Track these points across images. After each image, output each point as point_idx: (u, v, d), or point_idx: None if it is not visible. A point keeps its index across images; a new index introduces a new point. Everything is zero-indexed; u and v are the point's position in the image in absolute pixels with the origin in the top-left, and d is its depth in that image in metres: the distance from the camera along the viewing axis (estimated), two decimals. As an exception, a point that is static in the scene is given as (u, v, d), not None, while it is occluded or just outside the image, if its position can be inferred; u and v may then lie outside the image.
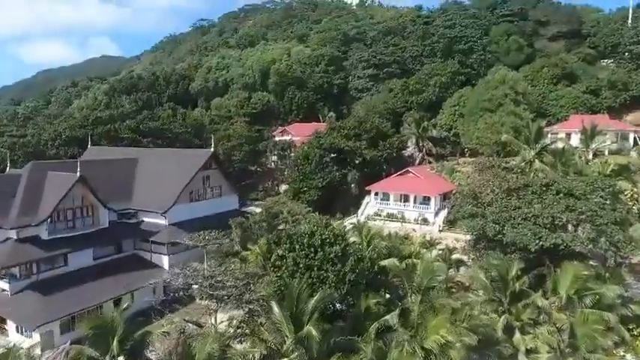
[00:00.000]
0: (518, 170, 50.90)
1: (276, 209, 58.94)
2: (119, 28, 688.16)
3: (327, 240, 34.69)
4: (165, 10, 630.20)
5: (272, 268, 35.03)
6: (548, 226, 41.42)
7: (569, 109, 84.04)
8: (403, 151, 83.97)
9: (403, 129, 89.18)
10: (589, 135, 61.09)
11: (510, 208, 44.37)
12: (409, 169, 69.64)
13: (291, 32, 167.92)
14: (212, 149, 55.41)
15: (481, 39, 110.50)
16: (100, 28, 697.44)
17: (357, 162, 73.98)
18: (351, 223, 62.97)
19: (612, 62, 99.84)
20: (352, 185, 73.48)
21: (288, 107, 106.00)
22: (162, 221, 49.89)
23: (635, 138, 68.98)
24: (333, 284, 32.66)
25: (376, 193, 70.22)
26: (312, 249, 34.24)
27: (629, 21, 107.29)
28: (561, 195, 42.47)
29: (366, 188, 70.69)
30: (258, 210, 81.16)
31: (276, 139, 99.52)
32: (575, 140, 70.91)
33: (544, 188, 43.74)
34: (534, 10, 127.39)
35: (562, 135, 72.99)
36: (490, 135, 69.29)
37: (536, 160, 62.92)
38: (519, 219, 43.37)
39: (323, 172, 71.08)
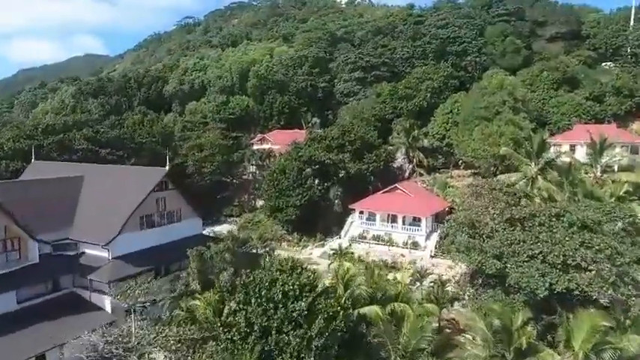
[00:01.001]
0: (522, 194, 44.40)
1: (244, 235, 52.06)
2: (108, 27, 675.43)
3: (291, 292, 28.08)
4: (155, 8, 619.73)
5: (222, 329, 28.29)
6: (560, 266, 35.12)
7: (571, 117, 78.18)
8: (391, 163, 77.58)
9: (392, 138, 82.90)
10: (598, 149, 55.13)
11: (514, 242, 38.03)
12: (397, 185, 63.23)
13: (276, 32, 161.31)
14: (167, 167, 48.33)
15: (476, 40, 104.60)
16: (89, 25, 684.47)
17: (340, 176, 67.42)
18: (332, 249, 56.54)
19: (615, 65, 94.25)
20: (335, 202, 66.90)
21: (269, 112, 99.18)
22: (106, 254, 42.87)
23: (647, 151, 63.53)
24: (296, 353, 26.08)
25: (361, 212, 63.76)
26: (272, 304, 27.66)
27: (632, 22, 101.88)
28: (575, 228, 36.16)
29: (350, 207, 64.18)
30: (233, 228, 74.86)
31: (255, 147, 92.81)
32: (580, 153, 64.95)
33: (554, 219, 37.41)
34: (531, 9, 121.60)
35: (566, 147, 67.03)
36: (487, 147, 63.11)
37: (540, 178, 56.90)
38: (524, 256, 37.03)
39: (302, 187, 64.42)
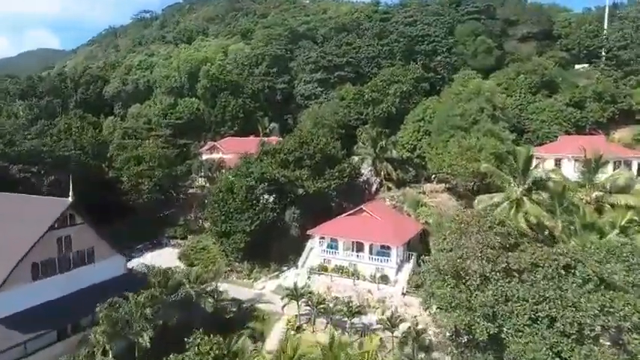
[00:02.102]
0: (516, 232, 35.99)
1: (174, 280, 42.04)
2: (67, 20, 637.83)
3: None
4: (118, 1, 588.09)
5: None
6: (575, 335, 26.94)
7: (551, 125, 71.24)
8: (357, 179, 68.63)
9: (357, 148, 74.07)
10: (592, 167, 47.77)
11: (511, 298, 29.73)
12: (363, 207, 54.25)
13: (235, 27, 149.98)
14: (71, 197, 37.78)
15: (446, 39, 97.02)
16: (46, 18, 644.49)
17: (297, 195, 58.04)
18: (287, 289, 47.04)
19: (591, 68, 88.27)
20: (292, 225, 57.47)
21: (221, 117, 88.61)
22: (-20, 318, 32.29)
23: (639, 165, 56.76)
24: None
25: (322, 238, 54.62)
26: None
27: (606, 22, 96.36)
28: (590, 285, 28.01)
29: (308, 232, 54.90)
30: (174, 251, 64.48)
31: (204, 157, 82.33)
32: (568, 169, 57.75)
33: (562, 271, 29.17)
34: (502, 8, 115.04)
35: (550, 162, 59.67)
36: (465, 163, 54.96)
37: (526, 200, 49.02)
38: (525, 317, 28.78)
39: (253, 209, 54.72)
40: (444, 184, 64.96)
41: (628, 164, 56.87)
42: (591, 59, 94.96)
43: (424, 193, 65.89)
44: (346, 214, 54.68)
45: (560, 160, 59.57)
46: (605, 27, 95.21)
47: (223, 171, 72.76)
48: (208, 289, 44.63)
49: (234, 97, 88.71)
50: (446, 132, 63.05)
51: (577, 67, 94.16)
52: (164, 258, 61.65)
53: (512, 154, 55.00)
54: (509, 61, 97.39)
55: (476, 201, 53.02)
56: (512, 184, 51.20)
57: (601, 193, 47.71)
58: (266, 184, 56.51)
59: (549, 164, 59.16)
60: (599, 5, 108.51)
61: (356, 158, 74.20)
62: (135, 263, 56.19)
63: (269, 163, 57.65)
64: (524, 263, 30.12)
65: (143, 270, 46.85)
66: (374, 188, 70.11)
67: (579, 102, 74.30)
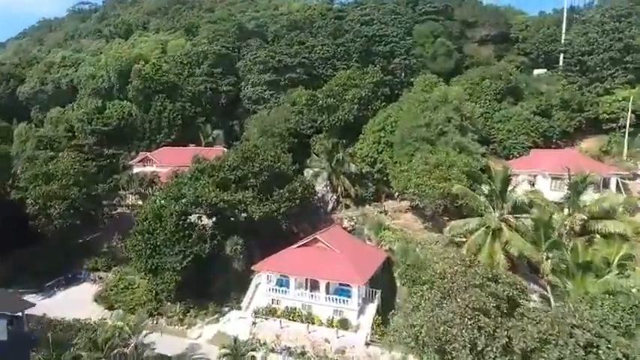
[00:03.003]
0: (516, 292, 28.70)
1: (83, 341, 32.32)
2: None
3: None
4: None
5: None
6: None
7: (518, 135, 65.75)
8: (311, 198, 60.37)
9: (310, 161, 65.84)
10: (576, 188, 41.75)
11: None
12: (318, 236, 45.95)
13: (178, 21, 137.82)
14: None
15: (404, 40, 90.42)
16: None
17: (241, 222, 49.11)
18: (224, 348, 37.97)
19: (550, 73, 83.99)
20: (235, 258, 48.41)
21: (156, 123, 77.77)
22: None
23: (617, 183, 51.66)
24: None
25: (270, 274, 46.01)
26: None
27: (564, 26, 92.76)
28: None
29: (253, 268, 46.08)
30: (93, 289, 53.82)
31: (135, 170, 71.53)
32: (543, 186, 51.94)
33: (582, 352, 22.02)
34: (460, 9, 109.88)
35: (523, 177, 53.66)
36: (434, 182, 47.82)
37: (505, 228, 42.59)
38: (537, 417, 21.45)
39: (185, 241, 45.32)
40: (407, 202, 57.79)
41: (606, 184, 51.70)
42: (549, 64, 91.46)
43: (386, 212, 58.60)
44: (297, 244, 46.21)
45: (534, 177, 53.62)
46: (564, 31, 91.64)
47: (158, 186, 62.76)
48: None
49: (172, 101, 78.02)
50: (410, 144, 55.92)
51: (536, 72, 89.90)
52: (79, 298, 51.16)
53: (485, 171, 48.80)
54: (468, 65, 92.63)
55: (448, 228, 46.25)
56: (489, 209, 44.69)
57: (585, 218, 41.79)
58: (203, 209, 47.24)
59: (523, 180, 53.15)
60: (557, 8, 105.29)
61: (310, 171, 66.12)
62: (42, 307, 45.63)
63: (205, 183, 48.28)
64: (531, 340, 22.76)
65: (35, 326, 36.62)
66: (330, 207, 62.14)
67: (546, 110, 69.39)
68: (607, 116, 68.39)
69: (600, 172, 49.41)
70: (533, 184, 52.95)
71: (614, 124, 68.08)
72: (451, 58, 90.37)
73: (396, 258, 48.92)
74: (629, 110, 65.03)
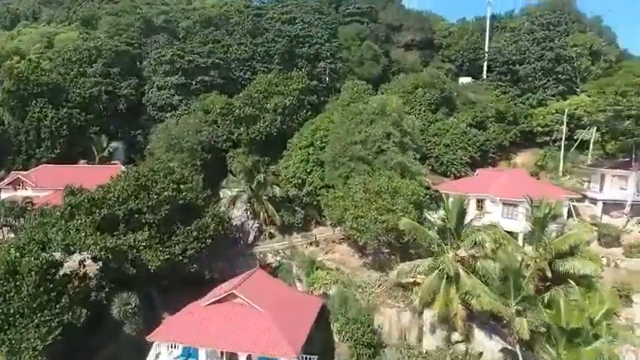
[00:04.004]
0: None
1: None
2: None
3: None
4: None
5: None
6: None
7: (456, 150, 59.10)
8: (227, 230, 48.93)
9: (227, 182, 54.44)
10: (542, 224, 34.68)
11: None
12: (235, 290, 34.82)
13: (74, 12, 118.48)
14: None
15: (329, 42, 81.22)
16: None
17: (133, 274, 36.77)
18: None
19: (482, 82, 79.40)
20: (127, 321, 36.01)
21: (34, 134, 61.57)
22: None
23: (570, 208, 46.15)
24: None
25: (172, 345, 34.33)
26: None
27: (487, 35, 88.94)
28: None
29: (147, 338, 34.01)
30: None
31: (3, 195, 55.60)
32: (493, 213, 44.84)
33: None
34: (384, 11, 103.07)
35: (471, 202, 46.36)
36: (376, 214, 38.72)
37: (463, 274, 34.54)
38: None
39: (51, 306, 32.25)
40: (340, 230, 48.33)
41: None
42: (473, 73, 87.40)
43: (317, 243, 48.84)
44: (209, 301, 34.82)
45: (482, 202, 46.52)
46: (487, 39, 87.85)
47: (33, 215, 47.84)
48: None
49: (55, 107, 62.18)
50: (344, 164, 46.62)
51: (461, 80, 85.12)
52: None
53: (433, 200, 40.80)
54: (395, 71, 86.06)
55: (395, 272, 37.28)
56: (442, 247, 36.42)
57: (552, 256, 34.85)
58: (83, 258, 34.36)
59: (470, 207, 45.88)
60: (479, 16, 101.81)
61: (228, 192, 54.82)
62: None
63: (82, 224, 35.28)
64: None
65: None
66: (251, 237, 51.05)
67: (481, 122, 63.61)
68: (541, 129, 64.12)
69: (555, 196, 43.29)
70: (481, 209, 45.79)
71: (548, 138, 63.98)
72: (378, 63, 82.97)
73: (333, 306, 39.30)
74: (564, 123, 60.89)
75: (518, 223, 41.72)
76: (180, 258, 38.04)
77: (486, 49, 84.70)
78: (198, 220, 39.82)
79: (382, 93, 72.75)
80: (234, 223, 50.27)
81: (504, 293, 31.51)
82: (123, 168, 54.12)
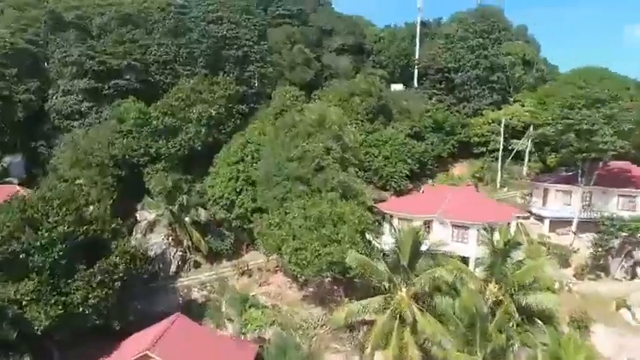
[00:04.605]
0: None
1: None
2: None
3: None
4: None
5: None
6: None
7: (396, 163, 55.09)
8: (150, 250, 41.27)
9: (144, 205, 46.34)
10: (505, 255, 30.81)
11: None
12: (149, 351, 27.60)
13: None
14: None
15: (259, 44, 74.37)
16: None
17: (16, 336, 28.22)
18: None
19: (417, 90, 76.54)
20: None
21: None
22: None
23: (518, 226, 43.34)
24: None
25: None
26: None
27: (418, 41, 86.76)
28: None
29: None
30: None
31: None
32: (443, 236, 40.79)
33: None
34: (315, 15, 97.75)
35: (417, 223, 42.12)
36: (319, 245, 33.12)
37: (419, 313, 29.88)
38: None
39: None
40: (274, 257, 42.25)
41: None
42: (405, 79, 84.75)
43: (250, 273, 42.41)
44: (116, 367, 27.35)
45: (430, 223, 42.50)
46: (417, 46, 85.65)
47: None
48: None
49: None
50: (279, 185, 40.50)
51: (393, 86, 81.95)
52: None
53: (377, 225, 36.00)
54: (327, 76, 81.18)
55: (341, 315, 31.72)
56: (395, 283, 31.58)
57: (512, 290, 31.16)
58: None
59: (417, 226, 41.66)
60: (408, 22, 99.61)
61: (147, 215, 46.77)
62: None
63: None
64: None
65: None
66: (173, 267, 43.58)
67: (419, 133, 60.31)
68: (478, 139, 62.10)
69: (505, 216, 40.22)
70: (428, 230, 41.73)
71: (485, 148, 62.10)
72: (310, 67, 77.44)
73: (270, 353, 33.14)
74: (502, 134, 59.13)
75: (470, 248, 38.16)
76: (81, 309, 30.00)
77: (417, 56, 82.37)
78: (104, 260, 31.88)
79: (316, 100, 67.99)
80: (153, 252, 42.58)
81: (470, 340, 27.18)
82: (18, 188, 44.52)
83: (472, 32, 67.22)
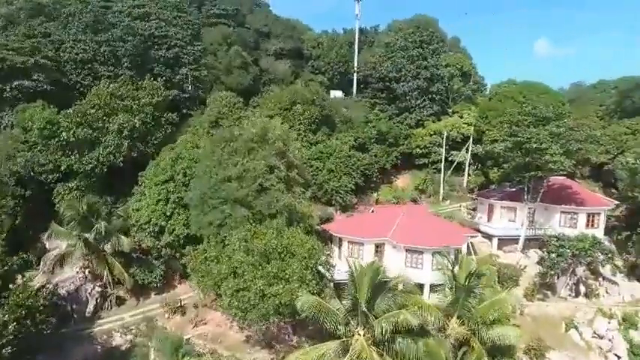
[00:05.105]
0: None
1: None
2: None
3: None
4: None
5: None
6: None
7: (341, 176, 50.86)
8: (60, 288, 33.48)
9: (50, 234, 38.07)
10: (469, 290, 27.21)
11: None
12: None
13: None
14: None
15: (192, 45, 67.05)
16: None
17: None
18: None
19: (358, 98, 72.96)
20: None
21: None
22: None
23: (469, 246, 40.47)
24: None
25: None
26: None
27: (356, 48, 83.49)
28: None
29: None
30: None
31: None
32: (394, 261, 36.82)
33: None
34: (252, 16, 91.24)
35: (368, 249, 37.91)
36: (263, 285, 27.70)
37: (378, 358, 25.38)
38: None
39: None
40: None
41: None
42: (344, 86, 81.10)
43: (183, 310, 35.96)
44: None
45: (381, 247, 38.42)
46: (356, 53, 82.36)
47: None
48: None
49: None
50: (216, 209, 34.44)
51: (332, 93, 77.94)
52: None
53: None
54: (266, 81, 75.49)
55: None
56: (352, 326, 27.08)
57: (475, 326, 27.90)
58: None
59: (367, 253, 37.54)
60: (346, 28, 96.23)
61: (57, 242, 38.61)
62: None
63: None
64: None
65: None
66: (90, 307, 35.93)
67: (363, 144, 56.57)
68: (420, 151, 59.57)
69: (459, 241, 37.14)
70: (380, 257, 37.65)
71: (427, 160, 59.71)
72: (248, 71, 71.25)
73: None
74: (443, 146, 56.94)
75: (425, 273, 34.67)
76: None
77: (356, 63, 79.00)
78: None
79: (256, 107, 62.26)
80: (65, 290, 34.82)
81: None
82: None
83: (412, 42, 64.63)
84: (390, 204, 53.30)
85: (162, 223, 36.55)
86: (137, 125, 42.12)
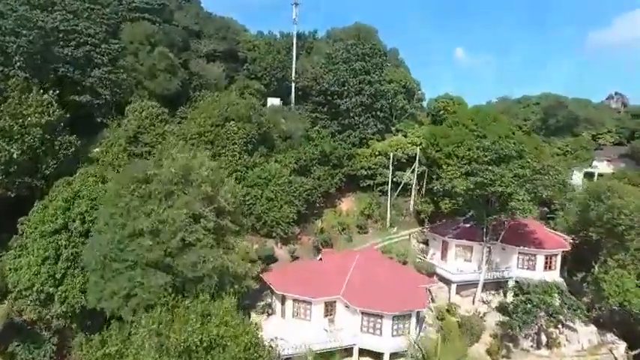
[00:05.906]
0: None
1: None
2: None
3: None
4: None
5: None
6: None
7: (281, 205, 42.79)
8: None
9: None
10: None
11: None
12: None
13: None
14: None
15: (108, 43, 55.03)
16: None
17: None
18: None
19: (298, 110, 64.92)
20: None
21: None
22: None
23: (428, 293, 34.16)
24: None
25: None
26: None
27: (294, 55, 75.25)
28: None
29: None
30: None
31: None
32: (348, 324, 29.66)
33: None
34: (180, 12, 78.91)
35: (319, 308, 30.39)
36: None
37: None
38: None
39: None
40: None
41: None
42: (282, 93, 72.74)
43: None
44: None
45: (331, 306, 31.02)
46: (294, 59, 74.28)
47: None
48: None
49: None
50: (122, 274, 24.99)
51: (270, 100, 69.19)
52: None
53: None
54: (197, 86, 64.90)
55: None
56: None
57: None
58: None
59: (316, 313, 30.04)
60: (284, 32, 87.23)
61: None
62: None
63: None
64: None
65: None
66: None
67: (305, 166, 48.81)
68: (365, 172, 53.04)
69: (421, 303, 30.73)
70: (332, 318, 30.31)
71: (372, 182, 53.36)
72: (175, 75, 60.01)
73: None
74: (390, 168, 50.85)
75: (384, 340, 27.93)
76: None
77: (294, 70, 70.89)
78: None
79: (182, 119, 52.26)
80: None
81: None
82: None
83: (354, 54, 57.67)
84: (335, 232, 46.56)
85: (50, 290, 26.27)
86: (15, 157, 30.69)
